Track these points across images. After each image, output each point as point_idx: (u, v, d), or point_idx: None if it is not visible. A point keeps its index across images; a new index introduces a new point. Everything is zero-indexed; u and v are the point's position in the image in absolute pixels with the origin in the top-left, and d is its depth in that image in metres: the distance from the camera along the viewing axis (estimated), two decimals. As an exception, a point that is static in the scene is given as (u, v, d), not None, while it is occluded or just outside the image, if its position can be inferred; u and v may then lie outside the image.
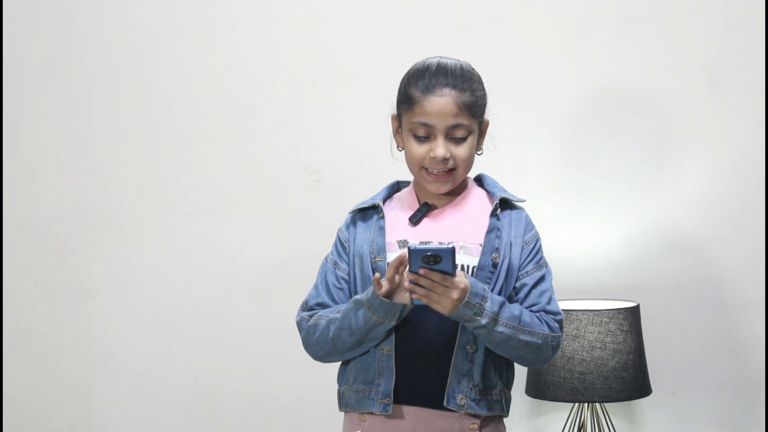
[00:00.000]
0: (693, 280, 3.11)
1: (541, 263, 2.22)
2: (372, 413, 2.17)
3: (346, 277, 2.23)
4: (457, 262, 2.08)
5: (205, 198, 3.24)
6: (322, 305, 2.23)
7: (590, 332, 2.82)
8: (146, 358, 3.26)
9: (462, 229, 2.19)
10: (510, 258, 2.19)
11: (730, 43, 3.09)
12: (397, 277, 2.09)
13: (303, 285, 2.42)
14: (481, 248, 2.17)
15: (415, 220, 2.21)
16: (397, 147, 2.26)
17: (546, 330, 2.16)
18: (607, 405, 2.99)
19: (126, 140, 3.26)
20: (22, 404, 3.30)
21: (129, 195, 3.27)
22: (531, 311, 2.17)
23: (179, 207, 3.25)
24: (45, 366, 3.29)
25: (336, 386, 2.26)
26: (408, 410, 2.16)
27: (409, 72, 2.21)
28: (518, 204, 2.25)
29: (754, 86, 3.08)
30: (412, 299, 2.06)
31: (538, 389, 2.89)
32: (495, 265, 2.17)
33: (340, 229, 2.28)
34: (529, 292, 2.19)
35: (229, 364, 3.24)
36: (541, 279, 2.20)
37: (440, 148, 2.15)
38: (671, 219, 3.11)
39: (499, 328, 2.10)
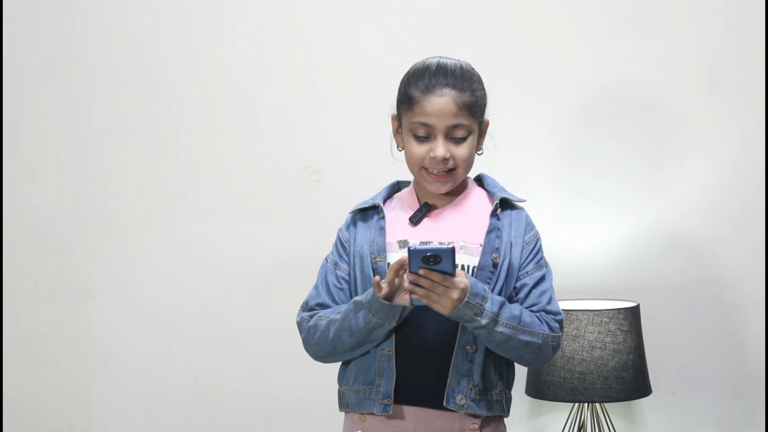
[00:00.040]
0: (693, 280, 3.11)
1: (541, 263, 2.22)
2: (372, 413, 2.17)
3: (347, 278, 2.23)
4: (457, 262, 2.08)
5: (205, 198, 3.24)
6: (323, 305, 2.23)
7: (590, 332, 2.82)
8: (146, 358, 3.26)
9: (462, 229, 2.19)
10: (510, 258, 2.18)
11: (730, 43, 3.09)
12: (397, 280, 2.09)
13: (303, 285, 2.42)
14: (481, 248, 2.17)
15: (415, 220, 2.21)
16: (397, 147, 2.25)
17: (546, 330, 2.16)
18: (607, 405, 2.99)
19: (126, 140, 3.26)
20: (22, 404, 3.30)
21: (129, 195, 3.27)
22: (531, 311, 2.17)
23: (179, 207, 3.25)
24: (45, 366, 3.29)
25: (336, 386, 2.26)
26: (408, 410, 2.16)
27: (409, 72, 2.21)
28: (518, 204, 2.25)
29: (754, 86, 3.08)
30: (412, 300, 2.06)
31: (538, 389, 2.89)
32: (495, 265, 2.16)
33: (340, 230, 2.28)
34: (530, 292, 2.19)
35: (229, 364, 3.24)
36: (542, 279, 2.20)
37: (440, 148, 2.15)
38: (671, 219, 3.11)
39: (500, 329, 2.09)
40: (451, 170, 2.18)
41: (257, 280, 3.23)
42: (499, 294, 2.16)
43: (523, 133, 3.11)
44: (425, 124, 2.15)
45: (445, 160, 2.15)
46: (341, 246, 2.26)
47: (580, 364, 2.82)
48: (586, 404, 2.95)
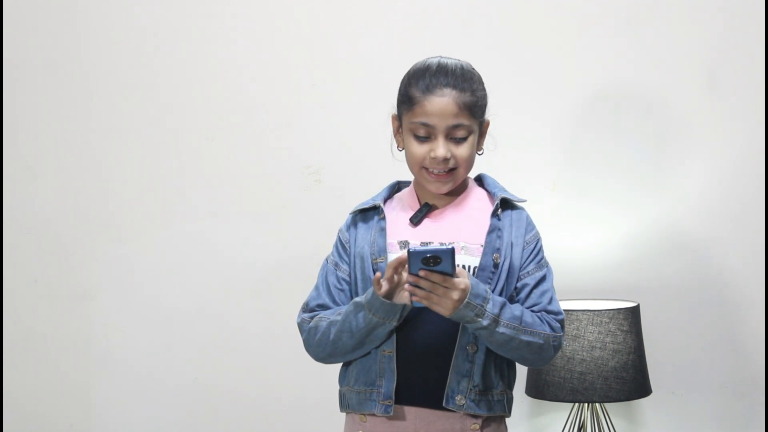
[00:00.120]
0: (693, 280, 3.11)
1: (542, 263, 2.22)
2: (373, 414, 2.17)
3: (347, 278, 2.23)
4: (458, 262, 2.08)
5: (205, 198, 3.24)
6: (323, 306, 2.22)
7: (590, 332, 2.82)
8: (146, 358, 3.26)
9: (463, 230, 2.18)
10: (511, 258, 2.18)
11: (730, 43, 3.09)
12: (396, 277, 2.09)
13: (303, 285, 2.42)
14: (482, 249, 2.17)
15: (415, 220, 2.21)
16: (398, 147, 2.25)
17: (547, 330, 2.16)
18: (607, 405, 2.99)
19: (126, 140, 3.26)
20: (22, 404, 3.30)
21: (129, 195, 3.26)
22: (532, 311, 2.16)
23: (179, 207, 3.25)
24: (45, 366, 3.29)
25: (336, 387, 2.26)
26: (409, 411, 2.16)
27: (409, 72, 2.21)
28: (519, 204, 2.25)
29: (754, 86, 3.08)
30: (412, 301, 2.06)
31: (538, 389, 2.89)
32: (496, 266, 2.16)
33: (340, 230, 2.28)
34: (530, 292, 2.19)
35: (229, 364, 3.24)
36: (542, 279, 2.20)
37: (441, 148, 2.15)
38: (671, 219, 3.11)
39: (501, 329, 2.09)
40: (452, 170, 2.17)
41: (257, 280, 3.23)
42: (500, 294, 2.16)
43: (523, 133, 3.11)
44: (426, 124, 2.15)
45: (445, 160, 2.15)
46: (341, 247, 2.26)
47: (580, 364, 2.82)
48: (586, 404, 2.95)
